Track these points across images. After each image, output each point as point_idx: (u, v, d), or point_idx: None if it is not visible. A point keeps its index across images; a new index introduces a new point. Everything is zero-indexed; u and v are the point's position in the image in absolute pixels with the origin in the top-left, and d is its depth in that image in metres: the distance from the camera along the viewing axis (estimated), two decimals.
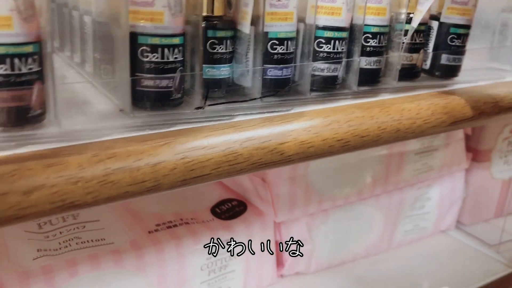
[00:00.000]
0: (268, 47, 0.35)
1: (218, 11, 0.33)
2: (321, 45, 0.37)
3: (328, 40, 0.37)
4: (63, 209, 0.26)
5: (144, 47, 0.30)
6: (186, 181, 0.30)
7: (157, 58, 0.30)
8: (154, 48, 0.30)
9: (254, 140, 0.32)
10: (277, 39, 0.36)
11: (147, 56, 0.30)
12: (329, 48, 0.38)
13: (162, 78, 0.30)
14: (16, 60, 0.26)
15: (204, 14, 0.33)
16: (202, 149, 0.30)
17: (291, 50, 0.37)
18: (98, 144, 0.28)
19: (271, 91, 0.36)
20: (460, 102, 0.42)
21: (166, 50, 0.30)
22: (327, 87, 0.39)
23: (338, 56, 0.38)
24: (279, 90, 0.36)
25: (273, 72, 0.37)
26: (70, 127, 0.29)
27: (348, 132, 0.35)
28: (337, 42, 0.37)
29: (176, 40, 0.30)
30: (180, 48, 0.31)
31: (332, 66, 0.38)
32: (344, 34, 0.38)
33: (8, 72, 0.26)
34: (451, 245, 0.68)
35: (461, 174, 0.68)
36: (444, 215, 0.68)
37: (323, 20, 0.37)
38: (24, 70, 0.26)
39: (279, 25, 0.36)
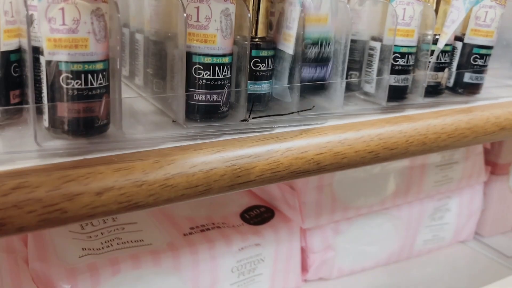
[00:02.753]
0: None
1: (261, 32, 0.37)
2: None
3: None
4: (127, 209, 0.29)
5: (198, 65, 0.33)
6: (233, 187, 0.33)
7: (208, 75, 0.33)
8: (206, 67, 0.33)
9: (294, 151, 0.35)
10: None
11: (200, 74, 0.33)
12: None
13: (212, 93, 0.33)
14: (89, 76, 0.29)
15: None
16: (248, 158, 0.33)
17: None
18: (157, 152, 0.31)
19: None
20: (482, 118, 0.45)
21: (217, 68, 0.33)
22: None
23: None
24: (315, 105, 0.39)
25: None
26: (131, 136, 0.32)
27: (379, 144, 0.38)
28: None
29: (226, 60, 0.34)
30: (229, 66, 0.34)
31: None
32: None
33: (82, 86, 0.29)
34: (469, 256, 0.70)
35: (480, 186, 0.70)
36: (463, 226, 0.70)
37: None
38: (95, 85, 0.30)
39: None
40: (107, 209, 0.28)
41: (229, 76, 0.35)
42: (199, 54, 0.33)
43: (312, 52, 0.37)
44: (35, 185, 0.26)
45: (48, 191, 0.27)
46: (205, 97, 0.34)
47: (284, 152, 0.34)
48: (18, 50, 0.32)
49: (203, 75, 0.33)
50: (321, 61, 0.38)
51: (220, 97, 0.34)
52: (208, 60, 0.33)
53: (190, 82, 0.34)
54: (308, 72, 0.38)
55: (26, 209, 0.26)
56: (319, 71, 0.39)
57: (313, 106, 0.38)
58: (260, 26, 0.36)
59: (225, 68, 0.34)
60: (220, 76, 0.34)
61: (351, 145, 0.37)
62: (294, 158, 0.35)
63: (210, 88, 0.34)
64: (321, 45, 0.38)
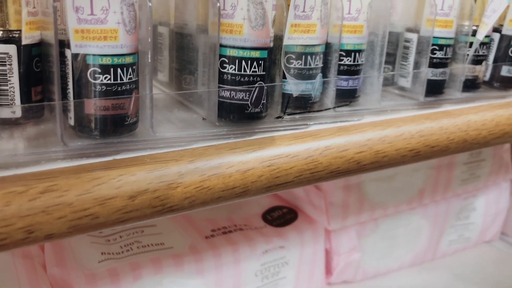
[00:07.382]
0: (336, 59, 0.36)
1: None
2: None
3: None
4: (161, 213, 0.27)
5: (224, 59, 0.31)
6: (271, 188, 0.30)
7: (234, 69, 0.31)
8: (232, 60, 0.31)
9: (333, 149, 0.32)
10: (344, 50, 0.37)
11: (228, 68, 0.31)
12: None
13: (239, 91, 0.31)
14: (119, 70, 0.27)
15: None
16: (286, 157, 0.31)
17: (359, 62, 0.38)
18: (191, 151, 0.29)
19: (343, 101, 0.36)
20: None
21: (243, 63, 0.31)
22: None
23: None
24: (352, 100, 0.37)
25: (339, 83, 0.38)
26: (162, 135, 0.30)
27: (420, 142, 0.36)
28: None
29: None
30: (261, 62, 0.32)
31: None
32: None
33: (111, 81, 0.27)
34: (495, 256, 0.68)
35: (506, 184, 0.67)
36: (489, 226, 0.68)
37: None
38: (125, 80, 0.28)
39: (347, 37, 0.37)
40: (141, 213, 0.26)
41: (263, 73, 0.32)
42: (228, 47, 0.31)
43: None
44: (64, 188, 0.24)
45: (78, 195, 0.24)
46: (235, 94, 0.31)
47: (323, 151, 0.32)
48: (40, 44, 0.30)
49: (228, 69, 0.31)
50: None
51: (247, 95, 0.32)
52: (233, 52, 0.31)
53: (219, 78, 0.31)
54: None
55: (56, 214, 0.24)
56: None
57: (350, 102, 0.36)
58: None
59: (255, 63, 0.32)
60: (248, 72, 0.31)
61: (392, 143, 0.35)
62: (333, 158, 0.32)
63: (238, 84, 0.31)
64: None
